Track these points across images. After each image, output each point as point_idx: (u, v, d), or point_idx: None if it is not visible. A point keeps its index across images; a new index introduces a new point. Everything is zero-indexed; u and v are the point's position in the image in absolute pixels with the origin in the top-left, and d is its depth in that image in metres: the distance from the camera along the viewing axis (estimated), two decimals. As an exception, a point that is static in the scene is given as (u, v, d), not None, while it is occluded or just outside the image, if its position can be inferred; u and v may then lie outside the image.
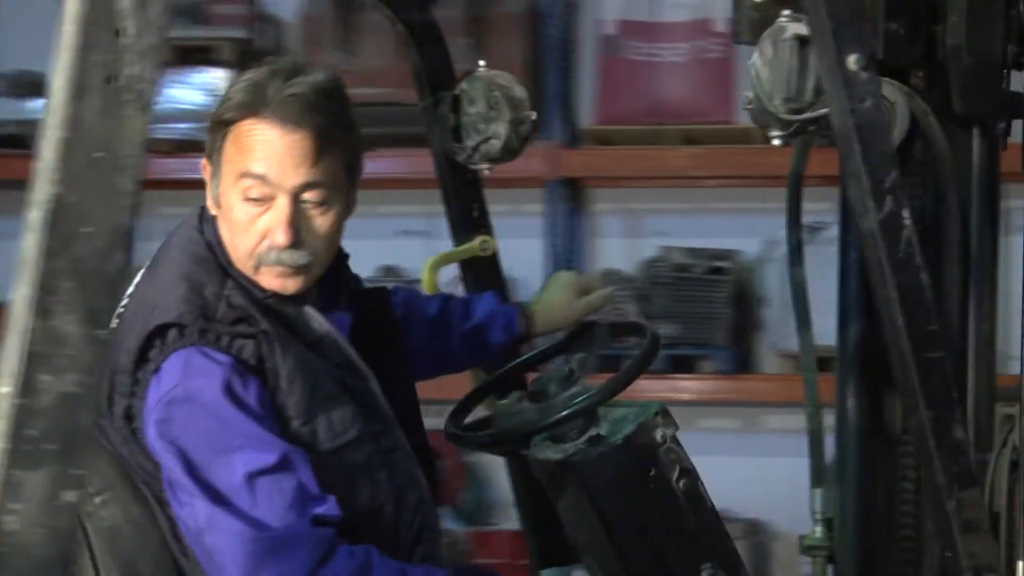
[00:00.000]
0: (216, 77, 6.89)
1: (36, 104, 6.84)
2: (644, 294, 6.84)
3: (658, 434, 3.16)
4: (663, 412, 3.18)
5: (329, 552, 2.84)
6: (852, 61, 2.70)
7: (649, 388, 6.54)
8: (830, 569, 3.35)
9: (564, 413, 3.18)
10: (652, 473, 3.16)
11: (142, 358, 2.89)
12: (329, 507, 2.87)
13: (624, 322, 3.67)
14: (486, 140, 3.56)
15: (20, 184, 7.08)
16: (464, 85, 3.61)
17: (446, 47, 3.72)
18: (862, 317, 3.16)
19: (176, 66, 6.84)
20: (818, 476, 3.38)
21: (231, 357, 2.87)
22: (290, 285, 3.00)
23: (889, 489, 3.17)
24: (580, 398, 3.19)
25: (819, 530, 3.37)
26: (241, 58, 6.89)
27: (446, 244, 7.02)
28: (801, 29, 2.83)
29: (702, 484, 3.20)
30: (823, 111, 2.84)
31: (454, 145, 3.62)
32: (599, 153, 6.87)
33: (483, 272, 3.78)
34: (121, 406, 2.92)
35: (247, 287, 2.97)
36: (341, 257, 3.24)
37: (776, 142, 2.97)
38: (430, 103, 3.68)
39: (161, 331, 2.88)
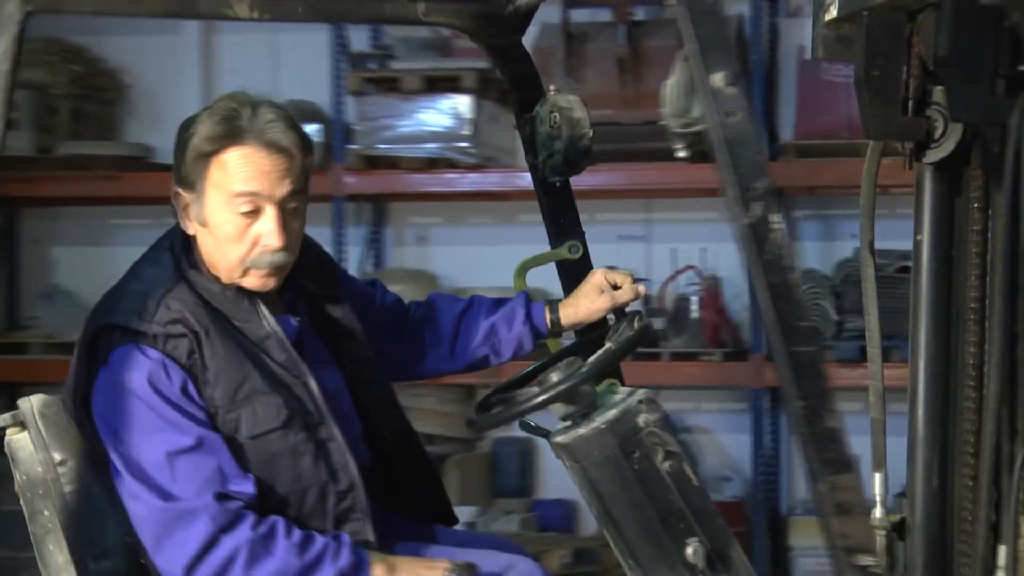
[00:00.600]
0: (460, 103, 7.38)
1: (306, 129, 7.35)
2: (839, 291, 7.19)
3: (641, 419, 3.20)
4: (648, 400, 3.22)
5: (233, 521, 3.01)
6: (719, 78, 2.74)
7: (846, 375, 6.92)
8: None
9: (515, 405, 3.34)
10: (636, 455, 3.19)
11: (92, 352, 3.13)
12: (243, 485, 3.06)
13: (627, 313, 3.69)
14: (551, 155, 3.63)
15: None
16: (537, 107, 3.68)
17: (534, 72, 3.80)
18: (931, 312, 3.10)
19: (424, 93, 7.42)
20: (879, 460, 3.29)
21: (162, 353, 3.07)
22: (270, 283, 3.23)
23: (952, 472, 3.06)
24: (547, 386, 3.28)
25: (880, 510, 3.26)
26: (481, 86, 7.40)
27: (662, 247, 7.59)
28: None
29: (689, 465, 3.23)
30: (704, 126, 2.84)
31: (534, 160, 3.73)
32: (799, 164, 7.19)
33: (575, 273, 3.84)
34: (80, 393, 3.16)
35: (201, 293, 3.19)
36: (305, 264, 3.42)
37: (681, 154, 3.06)
38: (520, 123, 3.79)
39: (109, 330, 3.11)
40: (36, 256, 8.06)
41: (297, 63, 7.75)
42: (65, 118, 7.48)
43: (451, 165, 7.42)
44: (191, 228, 3.24)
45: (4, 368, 7.51)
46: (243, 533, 3.01)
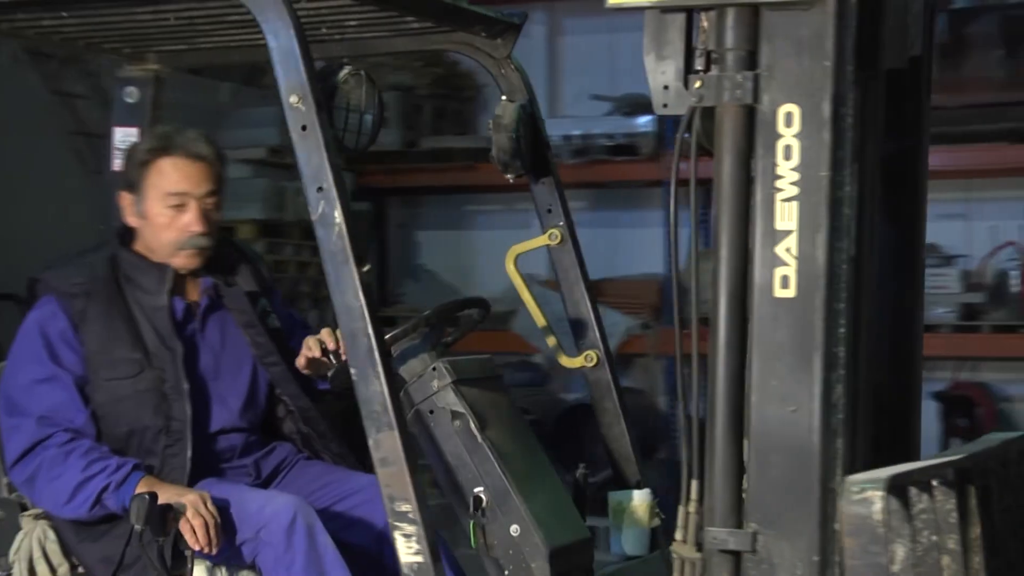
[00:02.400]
0: None
1: (641, 120, 7.80)
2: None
3: (434, 384, 3.59)
4: (440, 368, 3.59)
5: (46, 438, 3.61)
6: (294, 99, 3.14)
7: None
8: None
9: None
10: (432, 413, 3.59)
11: (31, 299, 3.82)
12: (75, 416, 3.64)
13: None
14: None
15: (627, 184, 8.40)
16: None
17: (523, 81, 4.13)
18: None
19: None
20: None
21: (59, 305, 3.71)
22: (194, 263, 3.81)
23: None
24: None
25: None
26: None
27: (981, 225, 7.36)
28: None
29: (475, 425, 3.56)
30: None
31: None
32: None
33: (562, 256, 4.11)
34: None
35: (123, 267, 3.77)
36: (225, 264, 3.94)
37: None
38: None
39: (37, 282, 3.79)
40: (402, 239, 8.72)
41: (632, 60, 7.91)
42: (428, 116, 8.09)
43: (778, 151, 7.47)
44: (133, 222, 3.85)
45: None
46: (50, 447, 3.61)
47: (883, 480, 2.59)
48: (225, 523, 3.55)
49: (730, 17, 2.92)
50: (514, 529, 3.52)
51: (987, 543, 3.04)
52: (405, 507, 3.06)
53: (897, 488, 2.70)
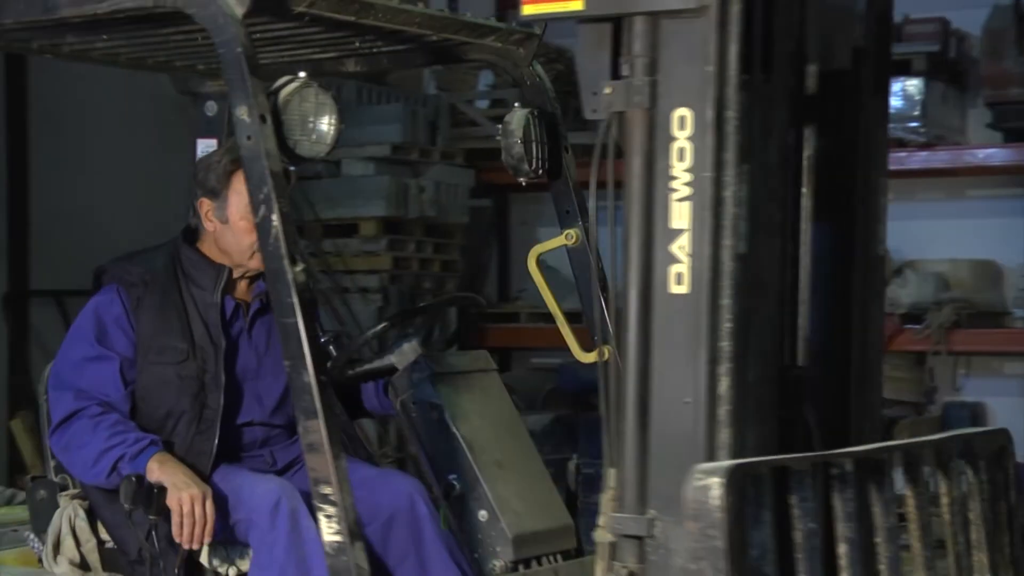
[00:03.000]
0: (910, 85, 7.53)
1: None
2: None
3: (415, 377, 3.97)
4: (418, 362, 3.98)
5: (81, 410, 3.98)
6: (242, 111, 3.40)
7: None
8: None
9: None
10: (414, 404, 3.96)
11: (96, 287, 4.18)
12: (112, 394, 4.02)
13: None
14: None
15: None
16: None
17: (543, 91, 4.30)
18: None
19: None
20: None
21: (119, 294, 4.08)
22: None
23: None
24: None
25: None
26: (931, 68, 7.48)
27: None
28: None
29: (448, 417, 3.92)
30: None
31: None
32: None
33: (578, 257, 4.38)
34: None
35: (182, 262, 4.12)
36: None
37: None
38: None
39: (103, 272, 4.16)
40: (524, 236, 8.85)
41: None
42: (549, 113, 8.23)
43: (901, 144, 7.61)
44: (211, 226, 4.14)
45: (497, 335, 8.50)
46: (83, 418, 3.99)
47: (725, 469, 2.76)
48: (222, 504, 3.87)
49: (637, 26, 3.11)
50: (482, 515, 3.83)
51: (909, 535, 3.19)
52: (327, 489, 3.31)
53: (751, 477, 2.86)
